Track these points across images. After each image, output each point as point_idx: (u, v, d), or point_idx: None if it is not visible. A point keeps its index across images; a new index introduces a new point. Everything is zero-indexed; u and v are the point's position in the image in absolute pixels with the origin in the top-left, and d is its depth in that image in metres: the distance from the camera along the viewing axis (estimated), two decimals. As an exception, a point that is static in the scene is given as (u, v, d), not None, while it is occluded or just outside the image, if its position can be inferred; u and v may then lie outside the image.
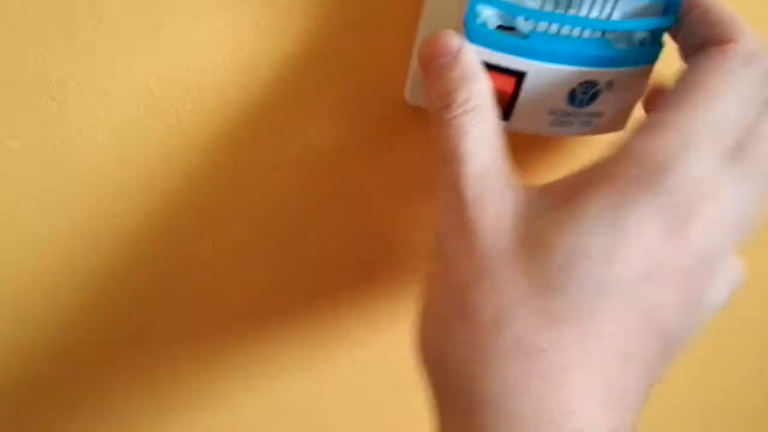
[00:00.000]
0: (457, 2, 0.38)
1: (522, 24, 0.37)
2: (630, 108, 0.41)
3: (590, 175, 0.34)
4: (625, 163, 0.33)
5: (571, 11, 0.37)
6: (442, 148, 0.35)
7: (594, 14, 0.37)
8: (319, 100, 0.45)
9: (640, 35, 0.38)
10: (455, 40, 0.36)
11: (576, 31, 0.38)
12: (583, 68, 0.38)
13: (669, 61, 0.39)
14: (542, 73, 0.38)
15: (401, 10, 0.42)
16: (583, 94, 0.39)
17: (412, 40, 0.43)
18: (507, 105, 0.39)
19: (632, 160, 0.33)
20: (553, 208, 0.33)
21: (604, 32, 0.38)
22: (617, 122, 0.41)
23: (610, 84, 0.39)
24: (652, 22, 0.37)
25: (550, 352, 0.30)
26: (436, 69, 0.36)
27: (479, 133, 0.35)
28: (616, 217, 0.31)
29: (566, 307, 0.30)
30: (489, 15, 0.37)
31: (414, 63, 0.43)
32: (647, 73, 0.39)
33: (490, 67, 0.38)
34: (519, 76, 0.38)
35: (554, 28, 0.37)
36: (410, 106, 0.45)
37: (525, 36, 0.37)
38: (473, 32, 0.37)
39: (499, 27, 0.38)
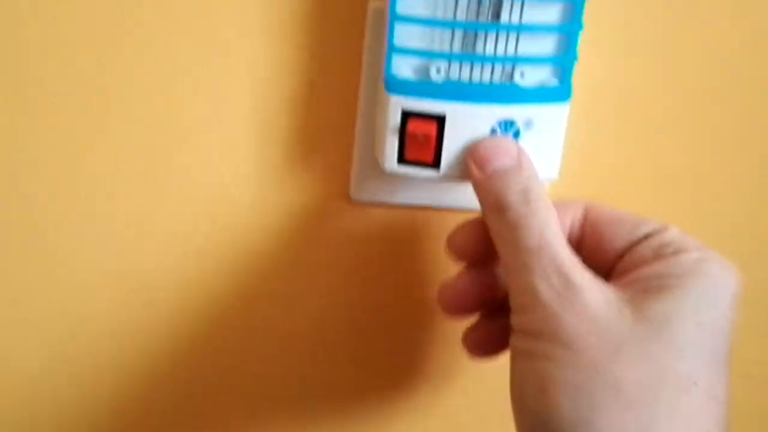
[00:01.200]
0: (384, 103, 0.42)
1: (435, 75, 0.41)
2: (556, 152, 0.43)
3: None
4: None
5: (476, 51, 0.40)
6: (527, 237, 0.37)
7: (498, 53, 0.40)
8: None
9: (547, 72, 0.41)
10: (514, 144, 0.41)
11: (486, 75, 0.41)
12: (498, 105, 0.40)
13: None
14: (460, 114, 0.40)
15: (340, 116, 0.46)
16: (503, 133, 0.41)
17: (351, 140, 0.46)
18: (434, 152, 0.41)
19: None
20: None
21: (512, 72, 0.41)
22: (547, 169, 0.43)
23: (528, 123, 0.41)
24: (553, 59, 0.41)
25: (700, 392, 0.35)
26: (501, 169, 0.39)
27: (556, 220, 0.38)
28: None
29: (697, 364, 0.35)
30: (405, 69, 0.41)
31: (357, 160, 0.46)
32: (564, 112, 0.42)
33: (411, 115, 0.40)
34: (439, 119, 0.40)
35: (465, 75, 0.41)
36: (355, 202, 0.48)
37: (440, 83, 0.40)
38: (391, 83, 0.40)
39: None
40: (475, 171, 0.40)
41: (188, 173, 0.47)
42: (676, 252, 0.37)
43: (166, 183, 0.47)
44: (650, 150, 0.49)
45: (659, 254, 0.38)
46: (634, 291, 0.36)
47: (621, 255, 0.39)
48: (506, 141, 0.40)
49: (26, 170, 0.46)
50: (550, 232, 0.37)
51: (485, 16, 0.40)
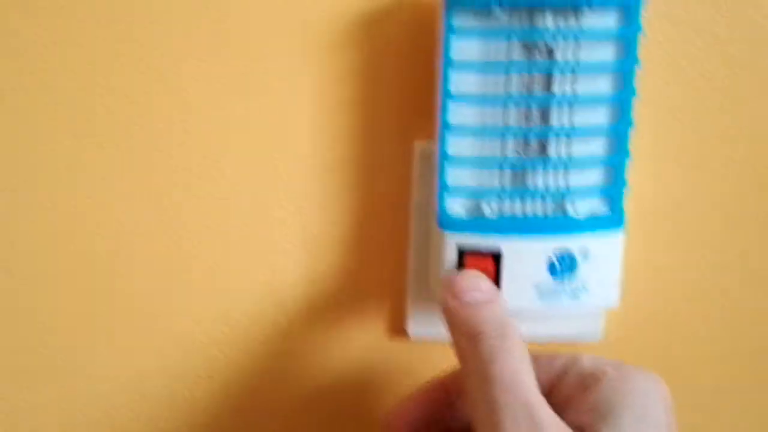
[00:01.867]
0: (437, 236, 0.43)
1: (488, 211, 0.41)
2: (615, 281, 0.42)
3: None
4: None
5: (527, 186, 0.41)
6: (500, 372, 0.36)
7: (548, 186, 0.41)
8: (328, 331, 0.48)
9: (598, 202, 0.42)
10: (488, 280, 0.41)
11: (538, 208, 0.41)
12: (552, 238, 0.41)
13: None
14: (516, 249, 0.41)
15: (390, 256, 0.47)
16: (561, 265, 0.41)
17: (405, 276, 0.47)
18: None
19: None
20: None
21: (564, 204, 0.41)
22: (606, 297, 0.42)
23: (585, 253, 0.41)
24: (603, 190, 0.42)
25: None
26: (479, 300, 0.39)
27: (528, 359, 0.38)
28: None
29: None
30: (457, 207, 0.42)
31: (412, 297, 0.47)
32: (620, 241, 0.42)
33: (467, 252, 0.41)
34: (495, 255, 0.41)
35: (518, 209, 0.41)
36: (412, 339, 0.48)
37: (493, 220, 0.41)
38: (445, 221, 0.41)
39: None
40: (449, 299, 0.39)
41: (244, 321, 0.48)
42: (598, 380, 0.37)
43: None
44: (708, 269, 0.49)
45: (584, 385, 0.38)
46: (582, 425, 0.36)
47: (547, 392, 0.39)
48: (481, 276, 0.41)
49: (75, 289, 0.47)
50: (523, 369, 0.36)
51: (533, 151, 0.41)
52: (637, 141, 0.43)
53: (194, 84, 0.45)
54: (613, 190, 0.42)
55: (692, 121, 0.46)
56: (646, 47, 0.44)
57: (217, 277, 0.47)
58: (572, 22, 0.40)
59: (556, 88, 0.41)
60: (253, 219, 0.47)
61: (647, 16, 0.42)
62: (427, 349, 0.49)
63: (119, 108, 0.45)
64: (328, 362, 0.49)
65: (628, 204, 0.44)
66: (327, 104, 0.45)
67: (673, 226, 0.48)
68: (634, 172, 0.44)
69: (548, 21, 0.40)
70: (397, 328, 0.48)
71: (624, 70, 0.41)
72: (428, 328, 0.47)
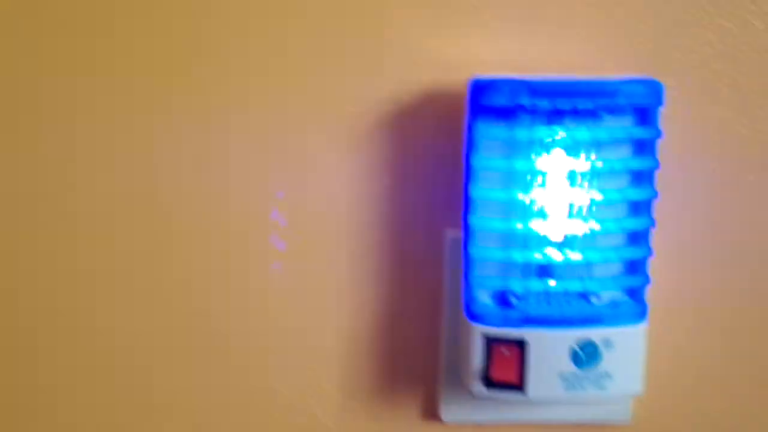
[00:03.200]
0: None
1: (514, 301, 0.44)
2: (638, 368, 0.44)
3: None
4: None
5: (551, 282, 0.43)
6: None
7: (573, 282, 0.43)
8: None
9: (620, 295, 0.44)
10: None
11: (562, 300, 0.43)
12: (576, 329, 0.43)
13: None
14: (541, 339, 0.43)
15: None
16: (584, 355, 0.43)
17: (438, 363, 0.49)
18: (519, 375, 0.43)
19: None
20: None
21: (587, 294, 0.43)
22: (630, 385, 0.44)
23: (607, 343, 0.43)
24: (626, 284, 0.44)
25: None
26: None
27: None
28: None
29: None
30: (484, 297, 0.44)
31: (445, 383, 0.49)
32: (641, 331, 0.44)
33: (495, 341, 0.43)
34: (521, 344, 0.43)
35: (542, 300, 0.44)
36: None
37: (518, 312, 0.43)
38: (472, 312, 0.43)
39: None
40: None
41: (279, 402, 0.51)
42: None
43: (260, 409, 0.51)
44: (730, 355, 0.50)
45: None
46: None
47: None
48: None
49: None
50: None
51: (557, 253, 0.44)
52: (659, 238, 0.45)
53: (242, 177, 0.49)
54: (636, 283, 0.44)
55: (711, 215, 0.48)
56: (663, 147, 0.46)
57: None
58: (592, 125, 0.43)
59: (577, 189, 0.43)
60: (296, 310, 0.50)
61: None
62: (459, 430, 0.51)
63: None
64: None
65: (651, 294, 0.46)
66: (362, 192, 0.48)
67: (694, 314, 0.49)
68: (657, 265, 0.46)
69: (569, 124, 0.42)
70: (431, 414, 0.50)
71: (643, 169, 0.43)
72: (462, 414, 0.50)
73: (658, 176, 0.43)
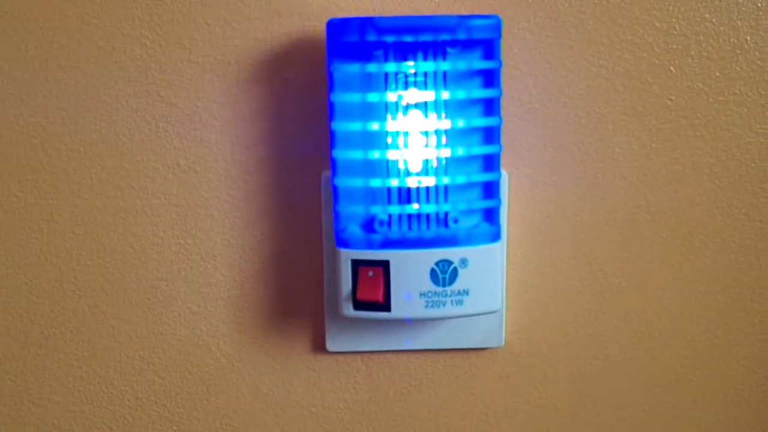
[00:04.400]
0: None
1: (378, 228, 0.47)
2: (496, 285, 0.48)
3: None
4: None
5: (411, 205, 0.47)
6: None
7: (431, 206, 0.47)
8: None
9: (478, 217, 0.47)
10: None
11: (423, 224, 0.47)
12: (435, 249, 0.46)
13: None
14: (402, 259, 0.46)
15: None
16: (442, 273, 0.46)
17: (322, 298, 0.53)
18: (384, 295, 0.46)
19: None
20: None
21: (446, 219, 0.47)
22: (488, 301, 0.47)
23: (463, 262, 0.47)
24: (482, 208, 0.47)
25: None
26: None
27: None
28: None
29: None
30: (352, 226, 0.48)
31: (328, 315, 0.52)
32: (497, 250, 0.47)
33: (360, 263, 0.46)
34: (384, 265, 0.46)
35: (405, 225, 0.47)
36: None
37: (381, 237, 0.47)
38: (340, 240, 0.47)
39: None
40: None
41: (174, 340, 0.54)
42: None
43: (159, 349, 0.54)
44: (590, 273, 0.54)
45: None
46: None
47: None
48: None
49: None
50: None
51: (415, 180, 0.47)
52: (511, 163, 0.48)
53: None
54: (489, 205, 0.47)
55: (560, 141, 0.52)
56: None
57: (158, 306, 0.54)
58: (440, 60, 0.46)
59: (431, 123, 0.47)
60: (186, 254, 0.53)
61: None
62: (346, 361, 0.54)
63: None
64: (258, 381, 0.54)
65: (511, 219, 0.49)
66: (241, 139, 0.52)
67: (549, 238, 0.53)
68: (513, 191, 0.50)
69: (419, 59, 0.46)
70: (319, 346, 0.54)
71: (488, 98, 0.47)
72: (344, 344, 0.53)
73: (512, 107, 0.47)
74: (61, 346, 0.53)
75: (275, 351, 0.54)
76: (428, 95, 0.46)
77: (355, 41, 0.45)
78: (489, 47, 0.46)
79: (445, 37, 0.45)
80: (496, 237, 0.47)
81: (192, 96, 0.51)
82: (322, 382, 0.54)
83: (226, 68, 0.50)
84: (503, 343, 0.53)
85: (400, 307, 0.47)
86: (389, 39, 0.45)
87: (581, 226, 0.52)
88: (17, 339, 0.53)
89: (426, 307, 0.47)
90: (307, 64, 0.50)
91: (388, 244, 0.47)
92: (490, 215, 0.48)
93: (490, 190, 0.48)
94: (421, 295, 0.47)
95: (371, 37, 0.45)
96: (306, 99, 0.51)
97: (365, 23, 0.44)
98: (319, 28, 0.49)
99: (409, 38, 0.45)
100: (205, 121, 0.51)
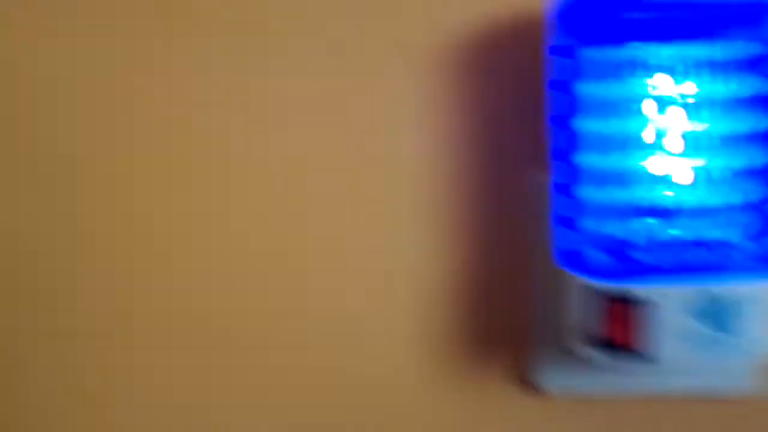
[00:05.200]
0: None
1: (632, 254, 0.38)
2: (764, 326, 0.38)
3: None
4: None
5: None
6: None
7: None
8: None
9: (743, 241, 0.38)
10: None
11: (689, 253, 0.37)
12: (705, 283, 0.37)
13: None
14: (665, 295, 0.37)
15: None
16: (713, 312, 0.37)
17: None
18: (637, 337, 0.37)
19: None
20: None
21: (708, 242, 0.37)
22: (757, 344, 0.38)
23: (738, 298, 0.37)
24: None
25: None
26: None
27: None
28: None
29: None
30: (593, 248, 0.38)
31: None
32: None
33: (608, 296, 0.37)
34: (640, 301, 0.37)
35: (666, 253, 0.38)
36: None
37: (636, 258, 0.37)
38: (580, 264, 0.37)
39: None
40: None
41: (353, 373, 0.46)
42: None
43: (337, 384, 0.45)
44: None
45: None
46: None
47: None
48: None
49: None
50: None
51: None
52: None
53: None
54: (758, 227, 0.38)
55: None
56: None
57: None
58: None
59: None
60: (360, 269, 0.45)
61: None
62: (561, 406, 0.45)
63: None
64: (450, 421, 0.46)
65: None
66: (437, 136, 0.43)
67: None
68: None
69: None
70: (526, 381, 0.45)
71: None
72: (562, 383, 0.44)
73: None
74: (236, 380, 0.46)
75: (468, 387, 0.45)
76: (699, 89, 0.36)
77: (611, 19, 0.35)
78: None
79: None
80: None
81: (383, 85, 0.42)
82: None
83: (424, 55, 0.42)
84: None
85: (663, 352, 0.38)
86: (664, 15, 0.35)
87: None
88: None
89: (694, 352, 0.38)
90: (515, 50, 0.41)
91: (646, 273, 0.37)
92: (762, 238, 0.38)
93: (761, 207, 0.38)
94: (684, 339, 0.37)
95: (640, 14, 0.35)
96: (509, 91, 0.42)
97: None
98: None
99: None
100: (397, 113, 0.42)
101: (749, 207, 0.38)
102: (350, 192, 0.44)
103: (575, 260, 0.38)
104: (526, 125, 0.42)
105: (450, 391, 0.45)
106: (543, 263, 0.42)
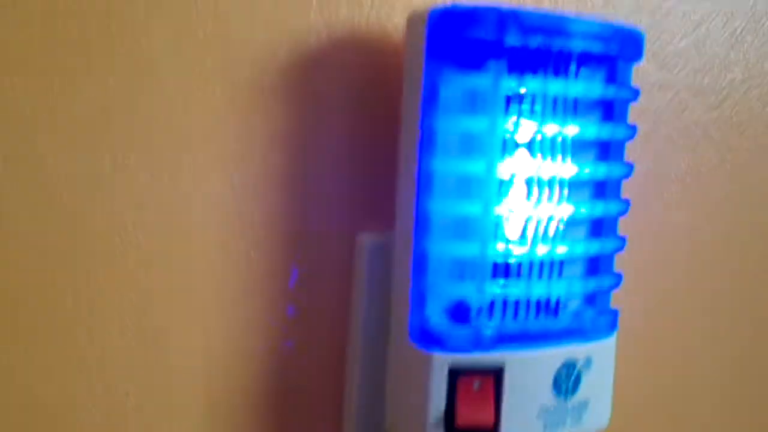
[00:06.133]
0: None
1: (481, 320, 0.32)
2: (608, 393, 0.35)
3: None
4: None
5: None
6: None
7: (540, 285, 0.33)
8: None
9: (582, 303, 0.35)
10: None
11: (543, 317, 0.33)
12: (560, 348, 0.33)
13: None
14: (521, 364, 0.32)
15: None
16: (566, 380, 0.33)
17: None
18: (494, 415, 0.31)
19: None
20: None
21: (552, 303, 0.33)
22: (601, 414, 0.35)
23: (588, 362, 0.34)
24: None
25: None
26: None
27: None
28: None
29: None
30: (437, 314, 0.32)
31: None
32: (612, 346, 0.35)
33: (462, 372, 0.31)
34: (497, 373, 0.31)
35: (518, 318, 0.33)
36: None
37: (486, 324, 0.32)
38: (430, 335, 0.31)
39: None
40: None
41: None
42: None
43: None
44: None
45: None
46: None
47: None
48: None
49: None
50: None
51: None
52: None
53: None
54: (602, 286, 0.35)
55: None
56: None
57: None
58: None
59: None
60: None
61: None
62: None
63: None
64: None
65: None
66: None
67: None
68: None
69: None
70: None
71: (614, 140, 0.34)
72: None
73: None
74: None
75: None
76: (551, 128, 0.32)
77: (487, 39, 0.30)
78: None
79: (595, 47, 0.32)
80: (613, 327, 0.35)
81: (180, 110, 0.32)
82: None
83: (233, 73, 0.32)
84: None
85: (513, 428, 0.32)
86: (534, 41, 0.30)
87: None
88: None
89: (545, 428, 0.33)
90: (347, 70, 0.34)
91: (502, 341, 0.32)
92: (602, 298, 0.35)
93: (605, 264, 0.35)
94: (539, 414, 0.32)
95: (511, 40, 0.30)
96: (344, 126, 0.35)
97: (505, 18, 0.30)
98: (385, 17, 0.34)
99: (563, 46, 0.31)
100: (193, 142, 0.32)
101: (589, 262, 0.35)
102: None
103: (423, 331, 0.31)
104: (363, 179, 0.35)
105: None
106: (375, 338, 0.35)
